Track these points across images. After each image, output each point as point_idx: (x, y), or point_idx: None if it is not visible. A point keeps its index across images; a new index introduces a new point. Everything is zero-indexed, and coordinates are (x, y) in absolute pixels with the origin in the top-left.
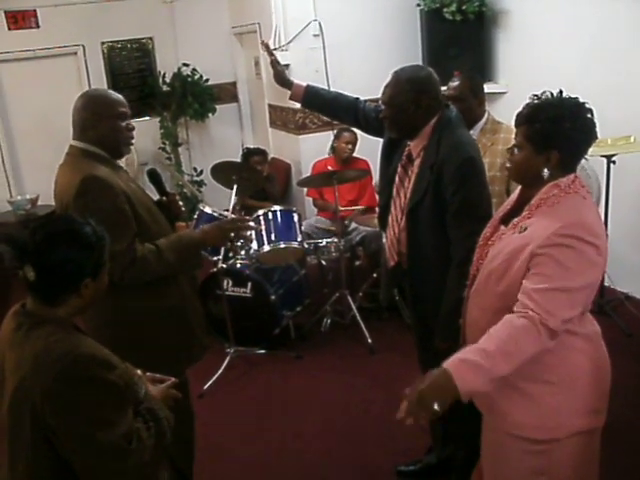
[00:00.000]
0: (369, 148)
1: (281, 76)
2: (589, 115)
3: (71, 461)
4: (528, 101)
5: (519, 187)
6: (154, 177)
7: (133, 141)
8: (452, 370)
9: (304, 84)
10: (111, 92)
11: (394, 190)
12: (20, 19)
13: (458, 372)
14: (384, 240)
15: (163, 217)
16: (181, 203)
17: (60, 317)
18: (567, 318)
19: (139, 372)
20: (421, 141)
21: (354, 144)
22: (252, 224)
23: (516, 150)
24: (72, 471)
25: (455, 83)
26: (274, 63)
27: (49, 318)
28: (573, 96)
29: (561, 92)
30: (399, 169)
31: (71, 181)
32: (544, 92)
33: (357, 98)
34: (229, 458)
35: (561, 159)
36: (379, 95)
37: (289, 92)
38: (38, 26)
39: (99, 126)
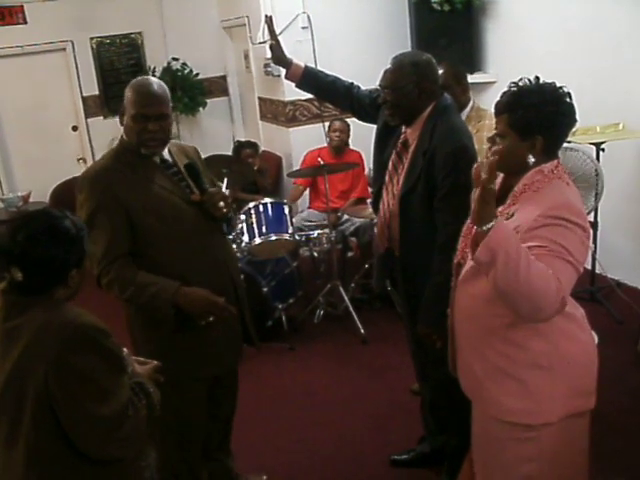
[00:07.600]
0: (363, 138)
1: (278, 55)
2: (568, 99)
3: (70, 431)
4: (505, 89)
5: (500, 175)
6: (190, 171)
7: (154, 143)
8: (499, 223)
9: (302, 64)
10: (146, 86)
11: (387, 177)
12: (7, 15)
13: (501, 225)
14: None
15: (192, 220)
16: (222, 204)
17: (54, 297)
18: (569, 291)
19: (125, 350)
20: (417, 128)
21: (343, 132)
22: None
23: (498, 139)
24: (74, 447)
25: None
26: (273, 47)
27: (41, 299)
28: (549, 81)
29: (538, 78)
30: (393, 156)
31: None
32: (521, 79)
33: (352, 83)
34: None
35: (545, 144)
36: (368, 86)
37: (278, 84)
38: (26, 22)
39: (124, 122)
